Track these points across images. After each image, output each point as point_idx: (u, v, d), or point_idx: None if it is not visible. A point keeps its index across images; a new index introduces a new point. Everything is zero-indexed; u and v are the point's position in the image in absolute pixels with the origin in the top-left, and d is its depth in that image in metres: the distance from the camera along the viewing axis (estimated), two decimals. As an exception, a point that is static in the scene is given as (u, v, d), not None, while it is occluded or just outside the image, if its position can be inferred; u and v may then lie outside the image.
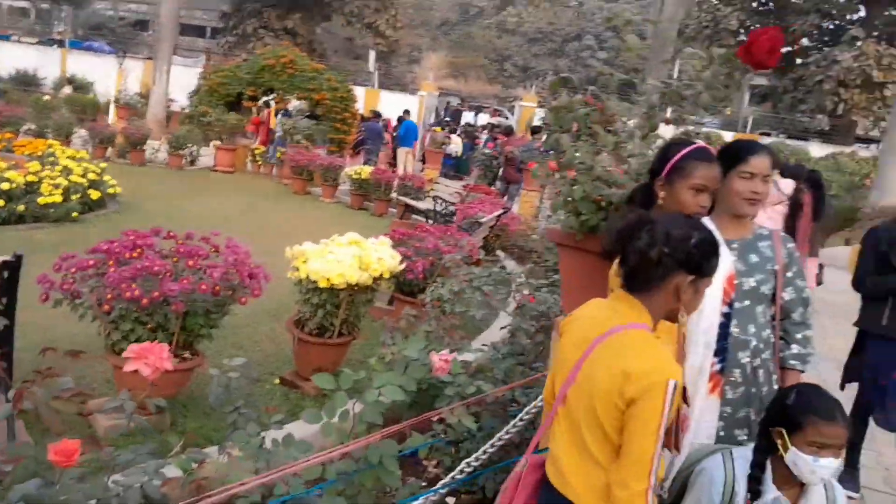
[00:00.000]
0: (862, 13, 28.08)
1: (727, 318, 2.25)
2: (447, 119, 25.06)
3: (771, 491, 2.03)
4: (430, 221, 8.99)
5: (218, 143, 14.22)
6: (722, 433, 2.29)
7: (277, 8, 29.76)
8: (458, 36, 54.24)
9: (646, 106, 2.50)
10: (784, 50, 23.73)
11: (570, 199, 2.36)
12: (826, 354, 6.39)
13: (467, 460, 2.15)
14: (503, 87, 44.13)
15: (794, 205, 8.50)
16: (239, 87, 14.80)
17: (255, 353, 4.56)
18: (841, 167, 23.81)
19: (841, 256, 13.23)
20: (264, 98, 15.72)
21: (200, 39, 41.88)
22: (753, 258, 2.29)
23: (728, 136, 25.99)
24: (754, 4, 29.51)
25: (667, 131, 2.68)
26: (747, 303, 2.27)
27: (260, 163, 14.63)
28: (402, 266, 3.89)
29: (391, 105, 23.89)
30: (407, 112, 18.43)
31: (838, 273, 12.21)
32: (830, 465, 1.92)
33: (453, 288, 3.40)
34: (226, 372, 2.52)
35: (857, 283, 3.57)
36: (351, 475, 2.00)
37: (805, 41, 28.84)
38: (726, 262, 2.26)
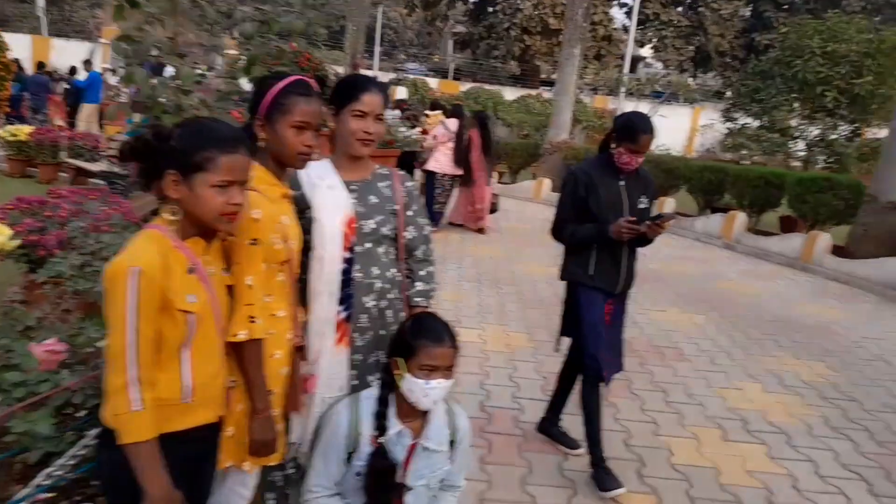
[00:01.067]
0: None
1: (349, 262, 2.15)
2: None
3: (394, 425, 2.02)
4: (108, 184, 7.91)
5: None
6: (356, 382, 2.21)
7: None
8: (150, -24, 48.79)
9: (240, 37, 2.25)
10: (475, -1, 24.80)
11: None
12: (520, 277, 6.96)
13: (47, 470, 1.78)
14: (207, 35, 41.03)
15: (460, 141, 9.47)
16: None
17: None
18: (530, 108, 26.47)
19: (527, 188, 14.76)
20: None
21: None
22: (373, 199, 2.20)
23: (433, 83, 27.33)
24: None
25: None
26: (369, 245, 2.18)
27: None
28: (16, 242, 3.22)
29: (67, 54, 20.76)
30: (88, 62, 16.08)
31: (527, 204, 13.64)
32: (440, 385, 1.97)
33: (75, 262, 2.87)
34: None
35: (556, 232, 3.14)
36: None
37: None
38: (345, 205, 2.14)
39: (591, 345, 3.08)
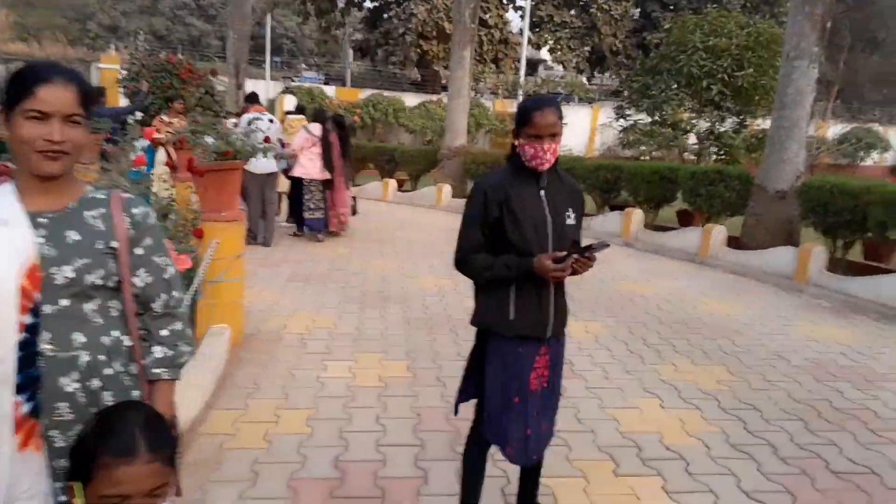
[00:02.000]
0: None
1: (32, 331, 1.48)
2: None
3: None
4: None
5: None
6: (63, 498, 1.54)
7: None
8: (22, -9, 45.50)
9: None
10: (371, 5, 24.49)
11: None
12: (410, 293, 6.31)
13: None
14: (89, 50, 38.66)
15: (325, 145, 9.12)
16: None
17: None
18: (431, 114, 26.12)
19: (428, 195, 14.27)
20: None
21: None
22: (73, 236, 1.53)
23: (330, 91, 26.54)
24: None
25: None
26: (66, 302, 1.52)
27: None
28: None
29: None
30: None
31: (428, 212, 13.13)
32: None
33: None
34: None
35: (463, 265, 2.45)
36: None
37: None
38: (23, 247, 1.47)
39: (493, 412, 2.44)
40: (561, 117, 2.34)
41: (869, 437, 3.79)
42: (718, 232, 8.97)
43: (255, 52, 34.18)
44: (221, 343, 4.41)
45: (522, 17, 29.71)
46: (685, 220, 11.22)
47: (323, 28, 30.66)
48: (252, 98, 9.15)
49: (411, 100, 26.61)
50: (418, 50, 27.35)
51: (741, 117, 14.06)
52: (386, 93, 26.37)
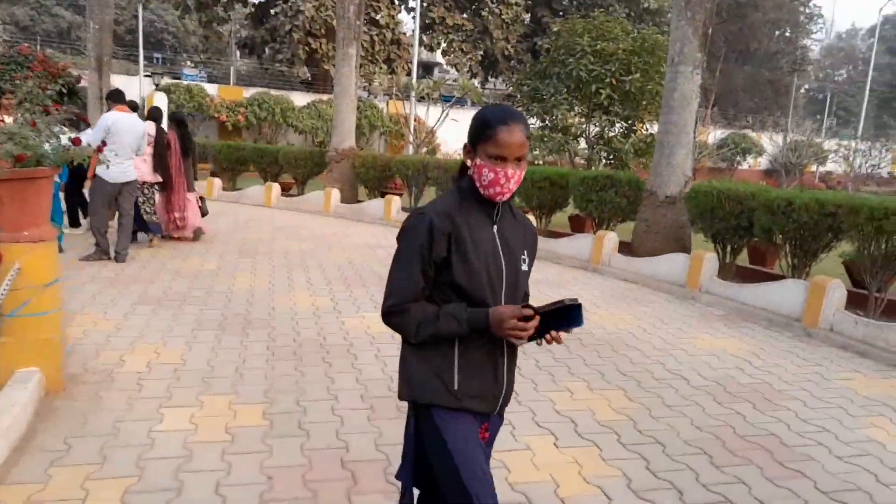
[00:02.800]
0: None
1: None
2: None
3: None
4: None
5: None
6: None
7: None
8: None
9: None
10: (257, 0, 23.28)
11: None
12: (280, 315, 5.44)
13: None
14: (-64, 40, 34.78)
15: (159, 144, 8.36)
16: None
17: None
18: (322, 114, 25.18)
19: (316, 200, 13.47)
20: None
21: None
22: None
23: (213, 89, 25.01)
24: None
25: None
26: None
27: None
28: None
29: None
30: None
31: (315, 218, 12.30)
32: None
33: None
34: None
35: (392, 314, 1.82)
36: None
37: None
38: None
39: (473, 486, 1.72)
40: (529, 136, 1.81)
41: (776, 471, 3.47)
42: (610, 239, 8.77)
43: (132, 46, 31.79)
44: (25, 392, 3.52)
45: (414, 18, 29.27)
46: (577, 225, 11.05)
47: (204, 23, 28.90)
48: (115, 96, 7.97)
49: (301, 99, 25.58)
50: (307, 48, 26.27)
51: (629, 122, 14.17)
52: (273, 91, 25.18)
